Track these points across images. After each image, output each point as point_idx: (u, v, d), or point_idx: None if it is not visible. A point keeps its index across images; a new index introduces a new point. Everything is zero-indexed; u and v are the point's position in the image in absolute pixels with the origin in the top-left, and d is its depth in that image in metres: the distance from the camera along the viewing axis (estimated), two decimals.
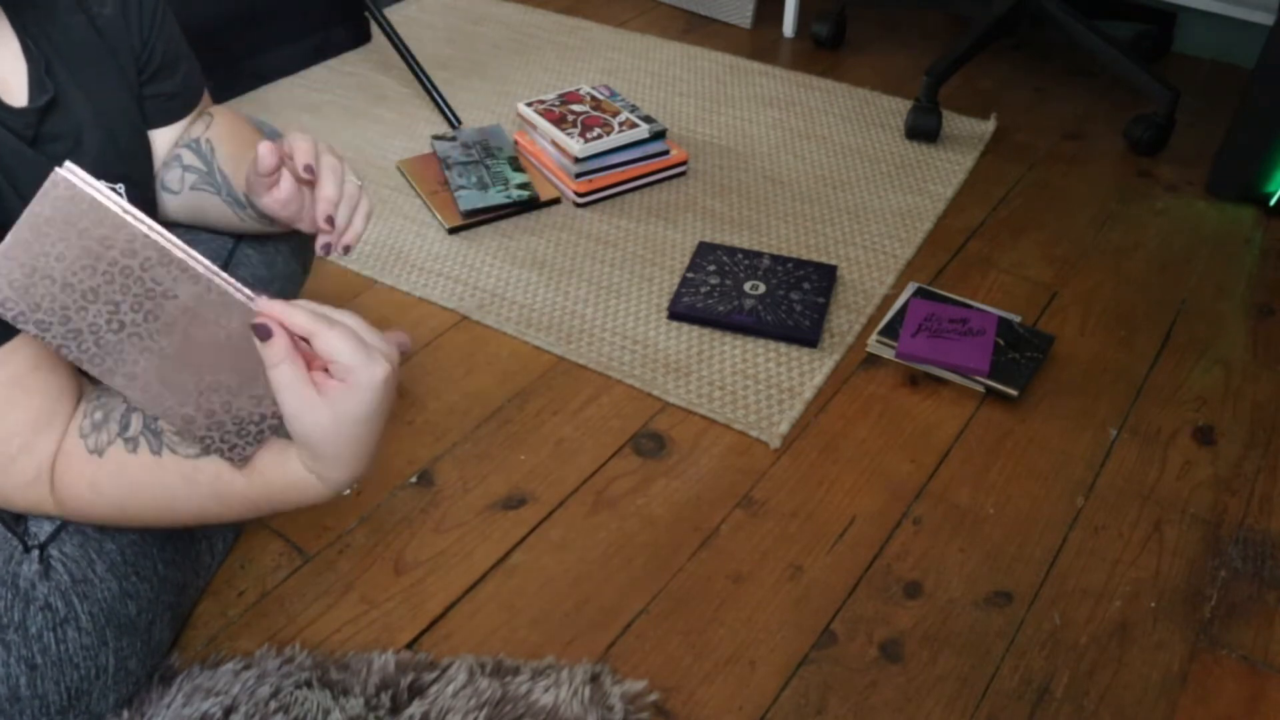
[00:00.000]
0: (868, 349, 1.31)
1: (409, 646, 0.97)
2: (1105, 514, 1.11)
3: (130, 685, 0.87)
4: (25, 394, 0.75)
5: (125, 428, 0.77)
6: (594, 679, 0.92)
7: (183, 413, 0.70)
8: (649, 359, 1.30)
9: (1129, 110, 1.84)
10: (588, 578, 1.04)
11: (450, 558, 1.05)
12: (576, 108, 1.65)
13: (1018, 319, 1.34)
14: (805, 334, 1.31)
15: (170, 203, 1.01)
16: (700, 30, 2.15)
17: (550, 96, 1.69)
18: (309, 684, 0.90)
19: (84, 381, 0.82)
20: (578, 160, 1.56)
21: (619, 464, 1.16)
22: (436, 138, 1.69)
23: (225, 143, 0.99)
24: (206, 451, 0.75)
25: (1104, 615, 1.00)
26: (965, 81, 1.95)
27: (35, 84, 0.81)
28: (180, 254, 0.64)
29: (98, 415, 0.78)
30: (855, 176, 1.66)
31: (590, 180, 1.57)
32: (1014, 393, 1.23)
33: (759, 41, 2.11)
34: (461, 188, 1.56)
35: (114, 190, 0.98)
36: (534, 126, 1.65)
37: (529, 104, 1.67)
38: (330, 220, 0.90)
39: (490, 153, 1.65)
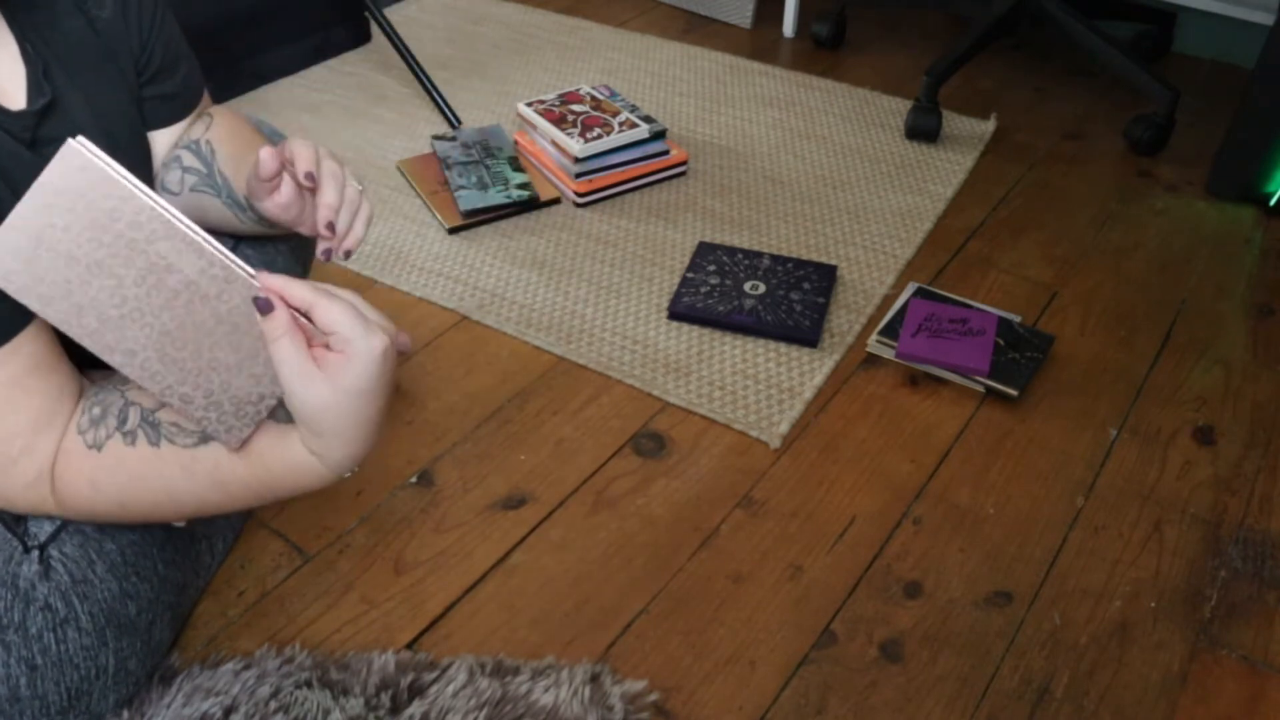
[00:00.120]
0: (868, 349, 1.31)
1: (409, 646, 0.97)
2: (1105, 514, 1.11)
3: (130, 685, 0.87)
4: (25, 395, 0.75)
5: (123, 421, 0.77)
6: (594, 679, 0.92)
7: (181, 391, 0.70)
8: (649, 359, 1.30)
9: (1129, 110, 1.84)
10: (588, 578, 1.04)
11: (450, 558, 1.05)
12: (576, 108, 1.65)
13: (1018, 319, 1.34)
14: (805, 334, 1.31)
15: (170, 204, 1.01)
16: (700, 30, 2.15)
17: (550, 96, 1.69)
18: (309, 684, 0.90)
19: (83, 380, 0.82)
20: (578, 160, 1.56)
21: (619, 464, 1.16)
22: (436, 138, 1.69)
23: (225, 144, 0.99)
24: (203, 432, 0.76)
25: (1104, 615, 1.00)
26: (965, 81, 1.95)
27: (34, 87, 0.81)
28: (185, 229, 0.65)
29: (95, 411, 0.78)
30: (855, 176, 1.66)
31: (590, 180, 1.57)
32: (1014, 393, 1.23)
33: (759, 41, 2.11)
34: (461, 188, 1.56)
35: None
36: (534, 126, 1.65)
37: (529, 104, 1.67)
38: (331, 226, 0.90)
39: (490, 153, 1.65)
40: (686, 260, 1.47)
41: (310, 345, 0.68)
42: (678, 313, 1.35)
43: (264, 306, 0.66)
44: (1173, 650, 0.97)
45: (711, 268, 1.42)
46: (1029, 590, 1.03)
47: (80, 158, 0.61)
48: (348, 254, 0.92)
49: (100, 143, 0.88)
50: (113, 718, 0.86)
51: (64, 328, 0.66)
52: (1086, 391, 1.26)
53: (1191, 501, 1.12)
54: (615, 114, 1.64)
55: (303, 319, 0.68)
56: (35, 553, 0.82)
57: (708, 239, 1.51)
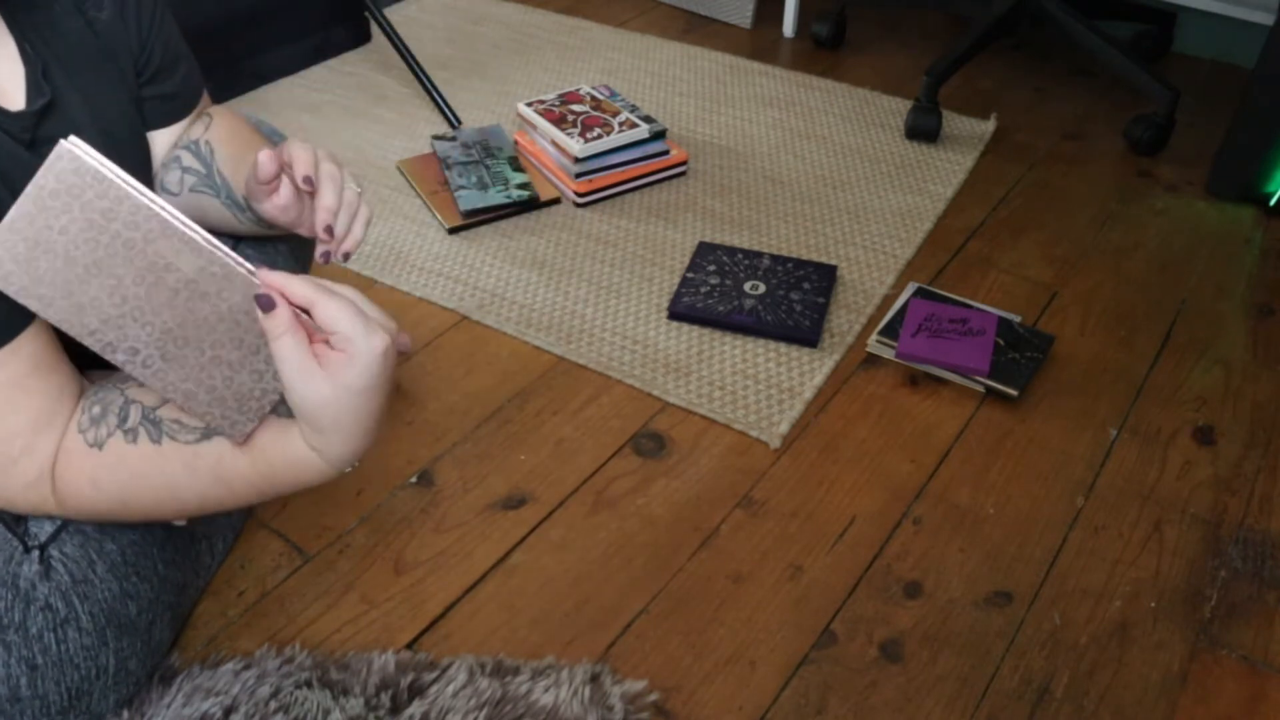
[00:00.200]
0: (868, 349, 1.31)
1: (409, 646, 0.97)
2: (1105, 514, 1.11)
3: (130, 685, 0.87)
4: (26, 395, 0.75)
5: (124, 419, 0.77)
6: (594, 679, 0.92)
7: (184, 388, 0.70)
8: (649, 359, 1.30)
9: (1129, 110, 1.84)
10: (588, 578, 1.04)
11: (450, 558, 1.05)
12: (576, 108, 1.65)
13: (1018, 319, 1.34)
14: (805, 334, 1.31)
15: (169, 204, 1.01)
16: (700, 30, 2.15)
17: (550, 96, 1.69)
18: (309, 684, 0.90)
19: (83, 379, 0.82)
20: (578, 160, 1.56)
21: (619, 464, 1.16)
22: (436, 138, 1.69)
23: (225, 144, 0.99)
24: (207, 427, 0.76)
25: (1104, 615, 1.00)
26: (965, 81, 1.95)
27: (33, 87, 0.81)
28: (182, 227, 0.65)
29: (95, 410, 0.78)
30: (855, 176, 1.66)
31: (590, 180, 1.57)
32: (1014, 393, 1.23)
33: (759, 41, 2.11)
34: (461, 188, 1.56)
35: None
36: (534, 126, 1.65)
37: (529, 104, 1.67)
38: (329, 229, 0.90)
39: (490, 153, 1.65)
40: (686, 260, 1.47)
41: (311, 340, 0.68)
42: (678, 313, 1.35)
43: (265, 304, 0.66)
44: (1173, 650, 0.97)
45: (711, 268, 1.42)
46: (1029, 590, 1.03)
47: (73, 159, 0.61)
48: (346, 256, 0.93)
49: (99, 143, 0.88)
50: (113, 718, 0.86)
51: (65, 328, 0.66)
52: (1086, 391, 1.26)
53: (1191, 501, 1.12)
54: (615, 114, 1.64)
55: (304, 315, 0.68)
56: (35, 553, 0.82)
57: (708, 239, 1.51)
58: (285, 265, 1.12)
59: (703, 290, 1.38)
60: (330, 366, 0.67)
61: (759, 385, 1.26)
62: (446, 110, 1.78)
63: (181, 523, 0.92)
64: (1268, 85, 1.51)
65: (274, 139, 1.18)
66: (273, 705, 0.87)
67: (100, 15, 0.89)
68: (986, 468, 1.16)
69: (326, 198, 0.90)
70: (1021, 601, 1.01)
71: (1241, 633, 0.99)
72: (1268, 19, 1.92)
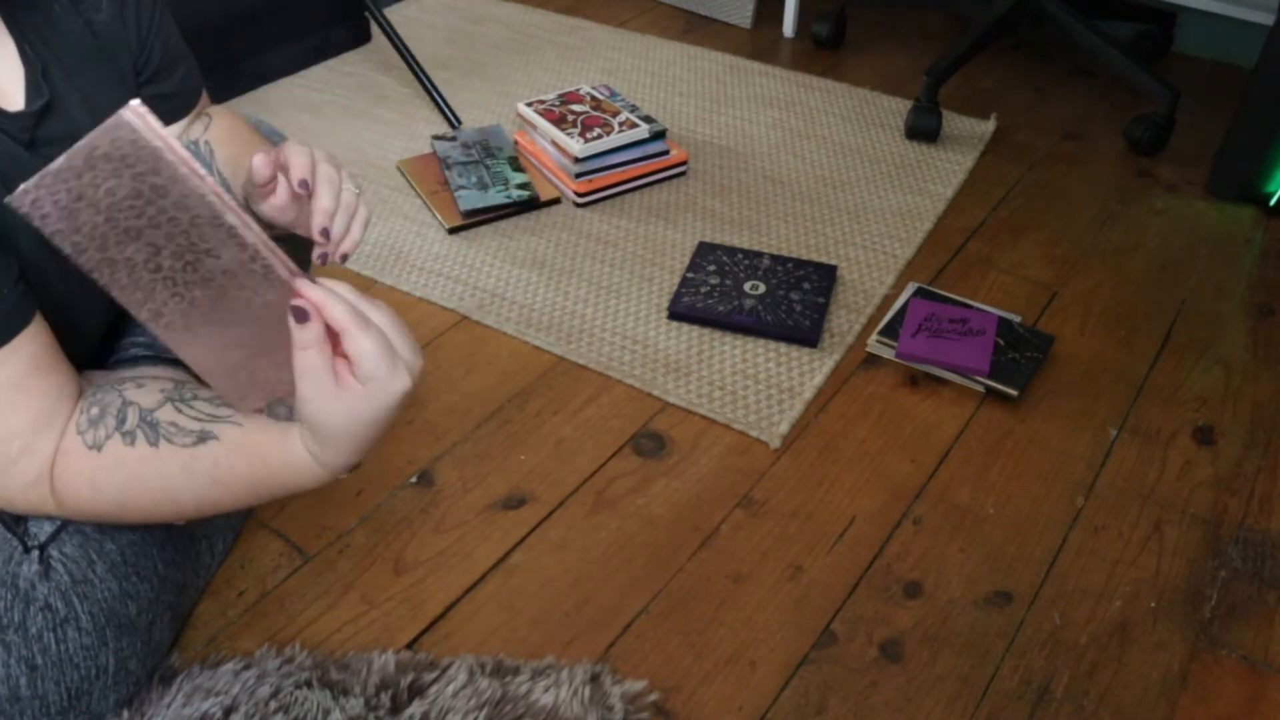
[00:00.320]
0: (868, 349, 1.31)
1: (409, 646, 0.97)
2: (1105, 514, 1.11)
3: (130, 685, 0.87)
4: (25, 396, 0.75)
5: (122, 421, 0.77)
6: (594, 679, 0.92)
7: (200, 359, 0.69)
8: (649, 359, 1.30)
9: (1129, 110, 1.84)
10: (588, 578, 1.04)
11: (450, 558, 1.05)
12: (576, 108, 1.65)
13: (1018, 319, 1.34)
14: (805, 334, 1.31)
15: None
16: (700, 30, 2.15)
17: (550, 96, 1.69)
18: (309, 684, 0.90)
19: (82, 380, 0.82)
20: (578, 160, 1.56)
21: (619, 464, 1.16)
22: (436, 138, 1.69)
23: (224, 144, 0.99)
24: (201, 431, 0.76)
25: (1104, 615, 1.00)
26: (965, 81, 1.95)
27: (32, 87, 0.81)
28: (233, 219, 0.63)
29: (94, 411, 0.78)
30: (855, 176, 1.66)
31: (590, 180, 1.57)
32: (1014, 393, 1.23)
33: (759, 41, 2.11)
34: (461, 188, 1.56)
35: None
36: (534, 126, 1.65)
37: (529, 104, 1.67)
38: (325, 232, 0.90)
39: (490, 153, 1.65)
40: (686, 260, 1.47)
41: (335, 349, 0.68)
42: (678, 313, 1.35)
43: (299, 316, 0.66)
44: (1173, 650, 0.97)
45: (711, 268, 1.42)
46: (1029, 590, 1.03)
47: (131, 131, 0.59)
48: (344, 258, 0.92)
49: None
50: (113, 718, 0.86)
51: (94, 276, 0.65)
52: (1086, 391, 1.26)
53: (1191, 501, 1.12)
54: (615, 114, 1.64)
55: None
56: (35, 553, 0.82)
57: (708, 239, 1.51)
58: None
59: (703, 290, 1.38)
60: (347, 392, 0.68)
61: (759, 385, 1.26)
62: (446, 110, 1.78)
63: (180, 522, 0.92)
64: (1268, 85, 1.51)
65: (274, 139, 1.18)
66: (273, 705, 0.87)
67: (99, 15, 0.89)
68: (986, 468, 1.16)
69: (323, 200, 0.89)
70: (1021, 601, 1.01)
71: (1241, 633, 0.99)
72: (1268, 19, 1.92)
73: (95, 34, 0.89)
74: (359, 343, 0.67)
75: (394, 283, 1.42)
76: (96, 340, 0.95)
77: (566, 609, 1.01)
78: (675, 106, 1.85)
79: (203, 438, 0.76)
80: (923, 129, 1.73)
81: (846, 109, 1.85)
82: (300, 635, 0.97)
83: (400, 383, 0.68)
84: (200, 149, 0.99)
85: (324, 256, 0.91)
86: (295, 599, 1.01)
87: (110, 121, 0.58)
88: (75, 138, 0.85)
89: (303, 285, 0.67)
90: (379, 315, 0.69)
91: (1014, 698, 0.93)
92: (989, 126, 1.80)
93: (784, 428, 1.20)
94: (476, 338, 1.34)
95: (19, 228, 0.79)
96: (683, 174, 1.66)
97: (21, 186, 0.60)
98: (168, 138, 0.60)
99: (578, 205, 1.58)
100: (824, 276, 1.40)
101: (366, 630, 0.98)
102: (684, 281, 1.40)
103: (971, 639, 0.98)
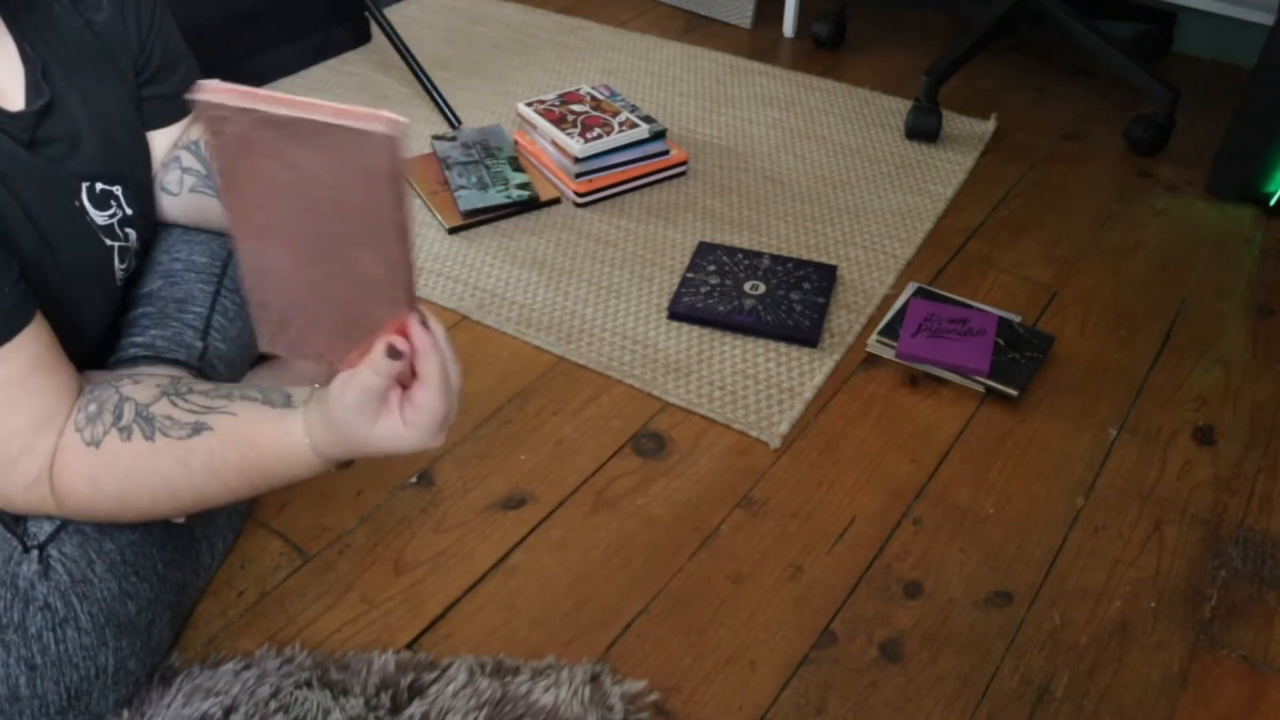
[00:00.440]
0: (868, 349, 1.31)
1: (409, 646, 0.97)
2: (1105, 514, 1.11)
3: (130, 685, 0.87)
4: (25, 395, 0.75)
5: (119, 417, 0.77)
6: (594, 679, 0.92)
7: (269, 299, 0.67)
8: (649, 359, 1.30)
9: (1129, 110, 1.84)
10: (588, 578, 1.04)
11: (450, 558, 1.05)
12: (576, 108, 1.65)
13: (1018, 319, 1.34)
14: (805, 334, 1.31)
15: (169, 204, 1.01)
16: (700, 30, 2.15)
17: (550, 96, 1.69)
18: (309, 684, 0.90)
19: (80, 379, 0.82)
20: (578, 160, 1.56)
21: (619, 464, 1.16)
22: (436, 138, 1.69)
23: None
24: (196, 423, 0.76)
25: (1104, 615, 1.00)
26: (965, 81, 1.95)
27: (32, 87, 0.81)
28: (405, 251, 0.61)
29: (91, 408, 0.78)
30: (855, 176, 1.66)
31: (590, 180, 1.57)
32: (1014, 393, 1.23)
33: (759, 41, 2.11)
34: (461, 188, 1.56)
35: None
36: (534, 126, 1.65)
37: (529, 104, 1.67)
38: None
39: (490, 153, 1.65)
40: (686, 260, 1.47)
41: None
42: (678, 313, 1.35)
43: (391, 353, 0.66)
44: (1173, 650, 0.97)
45: (711, 268, 1.42)
46: (1029, 590, 1.02)
47: (391, 148, 0.56)
48: None
49: (99, 143, 0.88)
50: (113, 718, 0.86)
51: (219, 194, 0.61)
52: (1086, 391, 1.26)
53: (1191, 501, 1.12)
54: (615, 114, 1.64)
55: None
56: (35, 552, 0.82)
57: (708, 239, 1.51)
58: None
59: (703, 290, 1.38)
60: (388, 419, 0.70)
61: (759, 385, 1.26)
62: (446, 110, 1.78)
63: (180, 521, 0.92)
64: (1268, 85, 1.51)
65: None
66: (273, 705, 0.87)
67: (100, 15, 0.89)
68: (986, 468, 1.16)
69: None
70: (1021, 601, 1.01)
71: (1241, 633, 0.99)
72: (1268, 19, 1.92)
73: (96, 34, 0.89)
74: (431, 399, 0.68)
75: None
76: (97, 340, 0.96)
77: (566, 609, 1.01)
78: (675, 106, 1.85)
79: (197, 429, 0.76)
80: (923, 129, 1.73)
81: (846, 109, 1.85)
82: (300, 635, 0.97)
83: (436, 443, 0.71)
84: (201, 149, 0.99)
85: None
86: (295, 599, 1.01)
87: (364, 129, 0.55)
88: (75, 137, 0.85)
89: (414, 327, 0.66)
90: (455, 376, 0.70)
91: (1014, 698, 0.93)
92: (989, 126, 1.80)
93: (784, 428, 1.20)
94: (476, 338, 1.34)
95: (20, 227, 0.79)
96: (683, 174, 1.66)
97: (218, 89, 0.56)
98: (403, 172, 0.57)
99: (578, 205, 1.58)
100: (824, 276, 1.40)
101: (366, 630, 0.98)
102: (684, 281, 1.40)
103: (971, 639, 0.98)
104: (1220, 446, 1.19)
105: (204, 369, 0.98)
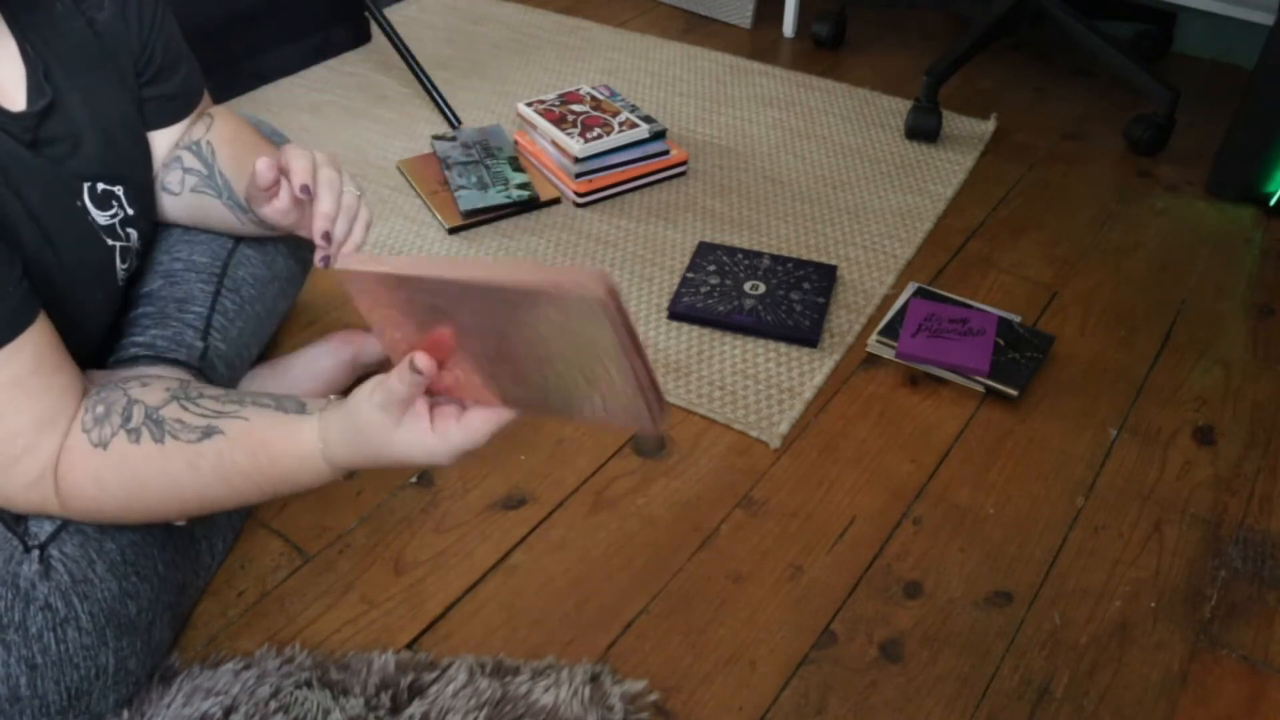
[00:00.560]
0: (868, 349, 1.31)
1: (409, 646, 0.97)
2: (1105, 514, 1.11)
3: (130, 685, 0.87)
4: (28, 395, 0.75)
5: (128, 419, 0.77)
6: (594, 679, 0.92)
7: (476, 370, 0.68)
8: (649, 359, 1.30)
9: (1129, 110, 1.84)
10: (588, 578, 1.04)
11: (450, 558, 1.05)
12: (576, 108, 1.65)
13: (1018, 319, 1.34)
14: (805, 334, 1.31)
15: (171, 204, 1.02)
16: (700, 30, 2.15)
17: (550, 96, 1.69)
18: (309, 684, 0.90)
19: (85, 379, 0.82)
20: (578, 160, 1.56)
21: (619, 464, 1.16)
22: (436, 138, 1.69)
23: (226, 145, 0.99)
24: (205, 428, 0.77)
25: (1104, 615, 1.00)
26: (965, 81, 1.95)
27: (34, 88, 0.81)
28: (642, 383, 0.61)
29: (99, 410, 0.78)
30: (855, 176, 1.66)
31: (590, 180, 1.57)
32: (1014, 393, 1.23)
33: (759, 41, 2.11)
34: (461, 188, 1.56)
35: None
36: (534, 126, 1.65)
37: (529, 104, 1.67)
38: (327, 236, 0.90)
39: (490, 153, 1.65)
40: (686, 260, 1.47)
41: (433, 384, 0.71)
42: (678, 313, 1.35)
43: (414, 369, 0.68)
44: (1173, 650, 0.97)
45: (711, 268, 1.42)
46: (1029, 590, 1.03)
47: (600, 310, 0.55)
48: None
49: (100, 143, 0.88)
50: (113, 718, 0.86)
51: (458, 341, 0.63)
52: (1086, 391, 1.26)
53: (1191, 501, 1.12)
54: (615, 114, 1.64)
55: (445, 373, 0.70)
56: (35, 552, 0.82)
57: (708, 239, 1.51)
58: (285, 265, 1.12)
59: (703, 290, 1.38)
60: (406, 431, 0.71)
61: (759, 385, 1.26)
62: (446, 110, 1.78)
63: (182, 523, 0.92)
64: (1268, 85, 1.51)
65: (274, 140, 1.18)
66: (273, 705, 0.87)
67: (101, 15, 0.89)
68: (986, 468, 1.16)
69: (324, 204, 0.90)
70: (1021, 601, 1.01)
71: (1241, 633, 0.99)
72: (1268, 19, 1.92)
73: (97, 34, 0.89)
74: (468, 432, 0.72)
75: None
76: (98, 340, 0.96)
77: (566, 609, 1.01)
78: (675, 106, 1.85)
79: (208, 433, 0.76)
80: (923, 129, 1.73)
81: (846, 109, 1.85)
82: (300, 635, 0.97)
83: (449, 464, 0.74)
84: (202, 149, 0.99)
85: (326, 259, 0.92)
86: (295, 599, 1.01)
87: (579, 293, 0.54)
88: (77, 138, 0.85)
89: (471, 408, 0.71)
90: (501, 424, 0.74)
91: (1014, 698, 0.93)
92: (989, 126, 1.80)
93: (784, 428, 1.20)
94: None
95: (22, 226, 0.79)
96: (683, 174, 1.66)
97: (362, 266, 0.61)
98: (625, 320, 0.57)
99: (578, 205, 1.58)
100: (824, 276, 1.40)
101: (366, 630, 0.98)
102: (684, 281, 1.40)
103: (971, 639, 0.98)
104: (1220, 446, 1.19)
105: (204, 369, 0.98)
